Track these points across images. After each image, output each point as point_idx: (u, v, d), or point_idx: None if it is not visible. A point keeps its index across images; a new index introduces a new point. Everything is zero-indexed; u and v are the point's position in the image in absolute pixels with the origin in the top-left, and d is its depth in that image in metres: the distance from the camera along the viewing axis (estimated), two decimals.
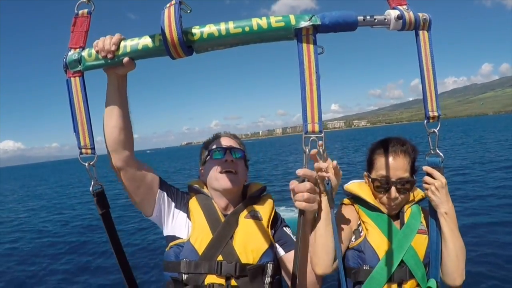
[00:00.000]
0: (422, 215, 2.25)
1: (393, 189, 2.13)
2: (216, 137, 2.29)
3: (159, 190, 2.06)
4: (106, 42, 1.64)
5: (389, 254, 2.10)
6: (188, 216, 2.07)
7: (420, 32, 1.72)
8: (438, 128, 1.78)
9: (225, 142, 2.22)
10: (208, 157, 2.18)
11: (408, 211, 2.25)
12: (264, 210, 2.13)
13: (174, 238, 2.04)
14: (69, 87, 1.71)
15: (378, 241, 2.14)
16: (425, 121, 1.77)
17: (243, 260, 1.95)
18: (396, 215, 2.25)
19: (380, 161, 2.20)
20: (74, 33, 1.73)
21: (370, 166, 2.30)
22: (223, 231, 2.00)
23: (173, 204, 2.10)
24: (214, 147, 2.18)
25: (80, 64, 1.69)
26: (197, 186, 2.19)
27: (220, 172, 2.08)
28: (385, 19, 1.68)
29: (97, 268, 9.79)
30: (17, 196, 35.22)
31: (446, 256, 2.01)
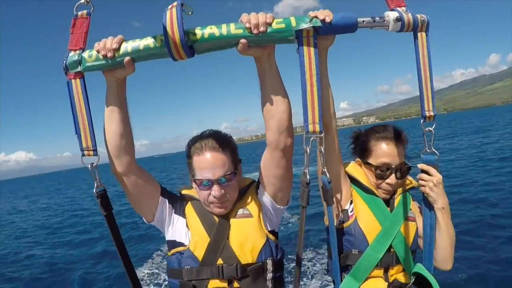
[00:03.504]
0: (412, 203, 2.32)
1: (393, 175, 2.21)
2: (198, 149, 1.98)
3: (160, 196, 2.05)
4: (107, 41, 1.64)
5: (379, 239, 2.15)
6: (186, 222, 2.06)
7: (418, 34, 1.74)
8: (433, 127, 1.83)
9: (210, 164, 1.94)
10: (194, 179, 2.00)
11: (398, 197, 2.30)
12: (252, 204, 2.07)
13: (175, 243, 2.06)
14: (70, 89, 1.71)
15: (369, 225, 2.19)
16: (422, 120, 1.82)
17: (243, 261, 1.95)
18: (387, 200, 2.29)
19: (380, 148, 2.25)
20: (74, 34, 1.72)
21: (366, 152, 2.32)
22: (218, 234, 1.98)
23: (173, 210, 2.09)
24: (199, 176, 1.96)
25: (80, 65, 1.68)
26: (190, 194, 2.13)
27: (211, 202, 1.99)
28: (384, 20, 1.70)
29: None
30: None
31: (442, 246, 2.10)
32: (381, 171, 2.22)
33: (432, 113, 1.80)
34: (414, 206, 2.33)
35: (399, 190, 2.32)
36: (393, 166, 2.21)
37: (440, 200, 2.03)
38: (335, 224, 2.15)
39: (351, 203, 2.25)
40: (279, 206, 2.06)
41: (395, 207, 2.26)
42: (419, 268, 2.07)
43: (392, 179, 2.21)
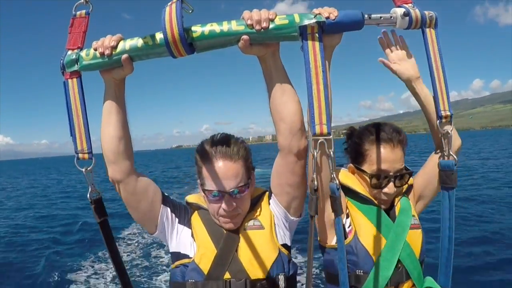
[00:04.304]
0: (412, 207, 2.09)
1: (391, 184, 1.98)
2: (209, 155, 1.84)
3: (162, 205, 1.91)
4: (105, 40, 1.60)
5: (385, 255, 1.92)
6: (192, 233, 1.93)
7: (427, 30, 1.69)
8: (452, 129, 1.72)
9: (222, 173, 1.80)
10: (203, 189, 1.87)
11: (398, 204, 2.08)
12: (264, 215, 1.94)
13: (179, 255, 1.92)
14: (66, 89, 1.66)
15: (371, 239, 1.94)
16: (438, 121, 1.71)
17: (252, 275, 1.81)
18: (386, 210, 2.05)
19: (375, 153, 2.00)
20: (72, 34, 1.68)
21: (359, 157, 2.08)
22: (225, 247, 1.85)
23: (177, 220, 1.96)
24: (209, 187, 1.83)
25: (77, 64, 1.63)
26: (197, 203, 2.00)
27: (221, 216, 1.86)
28: (391, 17, 1.67)
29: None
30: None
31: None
32: (377, 180, 1.98)
33: (448, 113, 1.70)
34: (414, 211, 2.10)
35: (398, 197, 2.10)
36: (391, 174, 1.97)
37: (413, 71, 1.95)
38: (331, 243, 1.98)
39: (347, 217, 2.02)
40: (292, 218, 1.93)
41: (396, 216, 2.04)
42: (431, 282, 1.95)
43: (390, 188, 1.98)
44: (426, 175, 2.07)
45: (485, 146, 54.46)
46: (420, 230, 2.04)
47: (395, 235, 1.96)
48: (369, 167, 2.02)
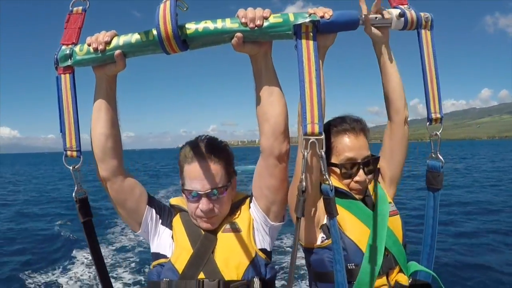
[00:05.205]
0: (387, 194, 2.11)
1: (361, 171, 1.99)
2: (190, 156, 1.86)
3: (147, 206, 1.94)
4: (100, 35, 1.61)
5: (373, 245, 1.93)
6: (172, 234, 1.95)
7: (422, 31, 1.69)
8: (440, 131, 1.74)
9: (201, 174, 1.82)
10: (183, 189, 1.89)
11: (373, 194, 2.10)
12: (243, 219, 1.94)
13: (158, 256, 1.93)
14: (59, 85, 1.65)
15: (357, 233, 1.95)
16: (427, 123, 1.72)
17: (227, 277, 1.79)
18: (363, 201, 2.06)
19: (341, 143, 2.01)
20: (67, 29, 1.69)
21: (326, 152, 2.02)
22: (202, 247, 1.85)
23: (160, 221, 1.98)
24: (188, 187, 1.85)
25: (70, 59, 1.63)
26: (179, 205, 2.02)
27: (198, 216, 1.87)
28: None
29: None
30: None
31: (395, 85, 1.91)
32: (347, 169, 2.00)
33: (438, 115, 1.72)
34: (390, 198, 2.11)
35: (371, 186, 2.11)
36: (359, 161, 1.99)
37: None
38: (318, 243, 1.96)
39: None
40: (272, 223, 1.93)
41: (375, 205, 2.06)
42: (416, 266, 2.00)
43: (361, 175, 1.99)
44: (386, 153, 2.12)
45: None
46: (398, 216, 2.08)
47: (378, 224, 1.98)
48: (336, 158, 2.03)
